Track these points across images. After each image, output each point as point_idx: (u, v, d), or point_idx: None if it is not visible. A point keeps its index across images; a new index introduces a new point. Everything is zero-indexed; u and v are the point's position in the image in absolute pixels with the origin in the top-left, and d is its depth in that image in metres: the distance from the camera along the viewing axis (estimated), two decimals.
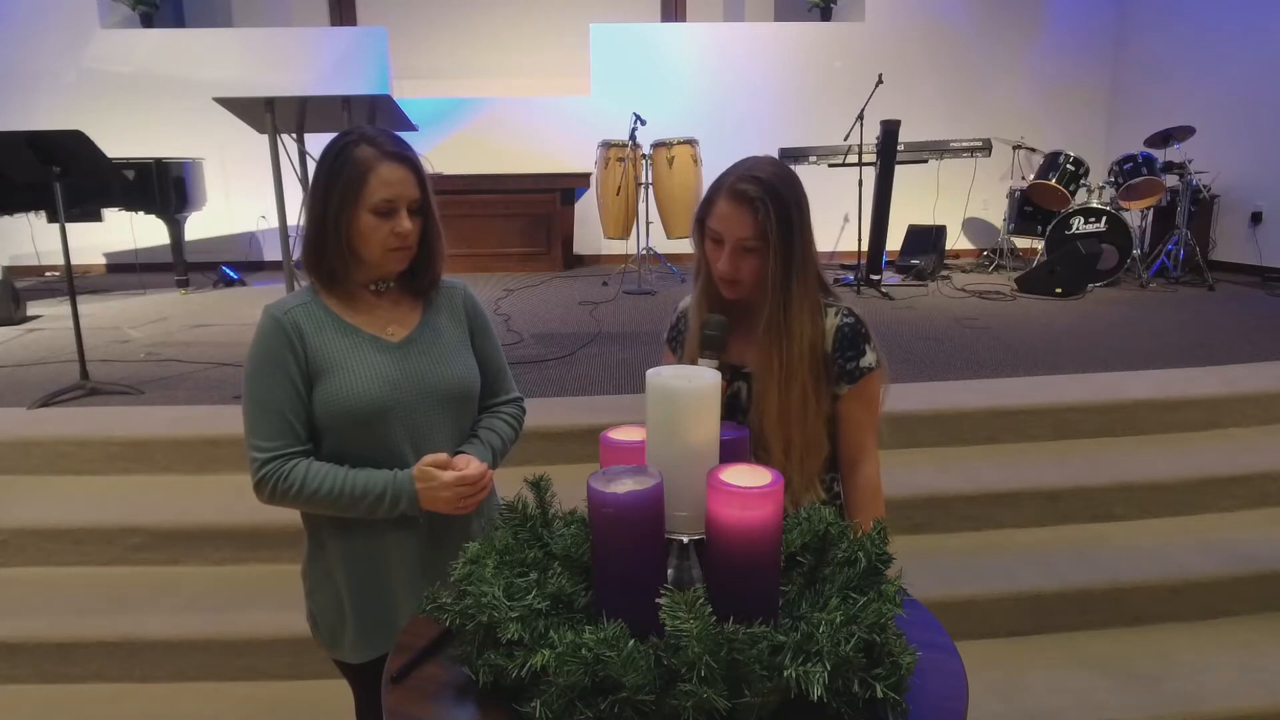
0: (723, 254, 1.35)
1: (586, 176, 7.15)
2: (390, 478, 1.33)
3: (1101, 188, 6.33)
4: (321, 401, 1.32)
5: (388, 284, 1.40)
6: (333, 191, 1.29)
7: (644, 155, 6.40)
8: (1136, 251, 6.23)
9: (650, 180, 6.52)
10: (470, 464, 1.35)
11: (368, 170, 1.29)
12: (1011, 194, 6.91)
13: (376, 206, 1.29)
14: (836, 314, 1.42)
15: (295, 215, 3.17)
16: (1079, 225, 6.11)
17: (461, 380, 1.43)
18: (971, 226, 8.00)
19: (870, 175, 5.98)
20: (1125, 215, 6.14)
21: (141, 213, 6.23)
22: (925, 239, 6.84)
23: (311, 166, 3.16)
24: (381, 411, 1.34)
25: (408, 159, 1.32)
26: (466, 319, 1.49)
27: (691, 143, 6.53)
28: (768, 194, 1.31)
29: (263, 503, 1.34)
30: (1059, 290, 5.77)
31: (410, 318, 1.42)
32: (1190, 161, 6.07)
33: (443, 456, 1.34)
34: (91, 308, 5.78)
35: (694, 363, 1.36)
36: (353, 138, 1.32)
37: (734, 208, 1.33)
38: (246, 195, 7.36)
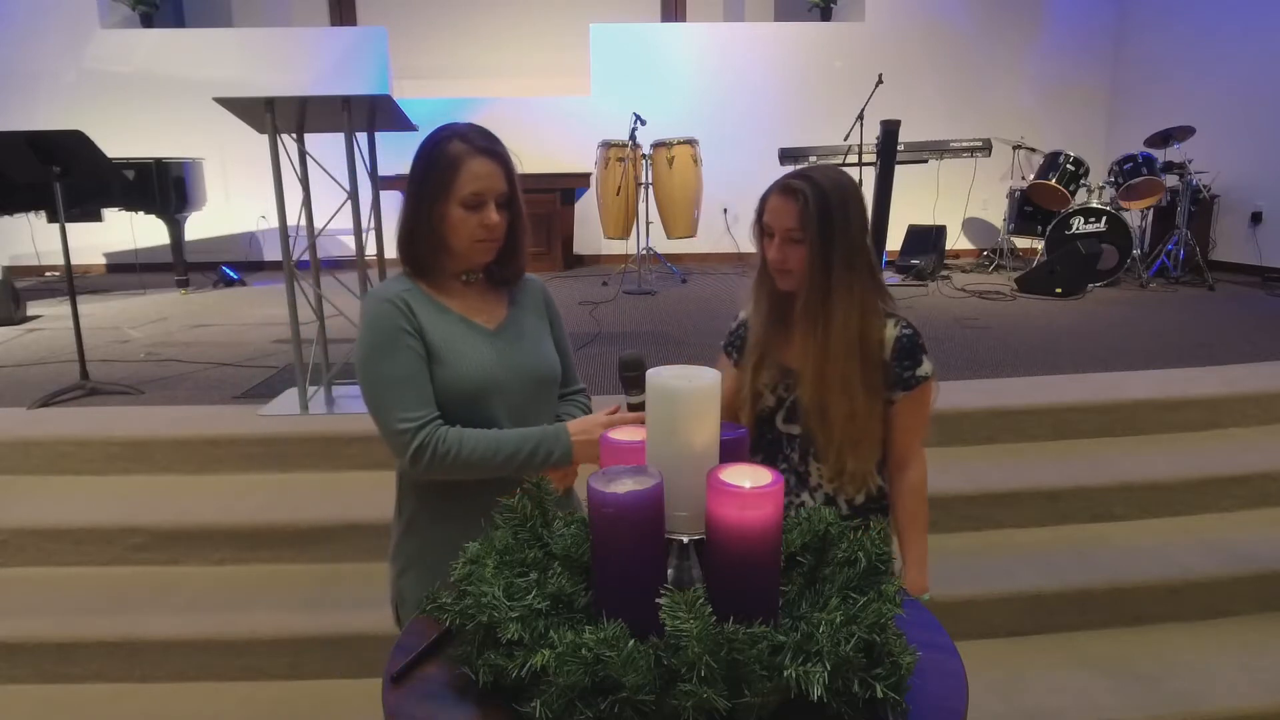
0: (773, 245, 1.47)
1: (586, 176, 7.15)
2: (541, 431, 1.37)
3: (1101, 188, 6.33)
4: (436, 381, 1.36)
5: (476, 275, 1.44)
6: (426, 185, 1.35)
7: (644, 155, 6.40)
8: (1136, 251, 6.23)
9: (650, 180, 6.52)
10: (623, 413, 1.36)
11: (459, 164, 1.33)
12: (1011, 194, 6.92)
13: (465, 199, 1.34)
14: (896, 324, 1.51)
15: (295, 215, 3.17)
16: (1079, 225, 6.11)
17: (551, 367, 1.49)
18: (971, 226, 8.01)
19: (870, 175, 5.98)
20: (1125, 215, 6.14)
21: (141, 213, 6.23)
22: (925, 239, 6.84)
23: (312, 167, 3.17)
24: (488, 392, 1.38)
25: (497, 154, 1.37)
26: (546, 311, 1.55)
27: (691, 143, 6.52)
28: (811, 188, 1.42)
29: (416, 474, 1.35)
30: (1059, 290, 5.77)
31: (498, 308, 1.47)
32: (1190, 161, 6.07)
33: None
34: (91, 308, 5.78)
35: (754, 368, 1.53)
36: (446, 134, 1.37)
37: (781, 201, 1.46)
38: (246, 195, 7.36)
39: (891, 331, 1.50)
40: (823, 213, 1.41)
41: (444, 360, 1.36)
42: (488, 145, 1.36)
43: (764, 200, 1.50)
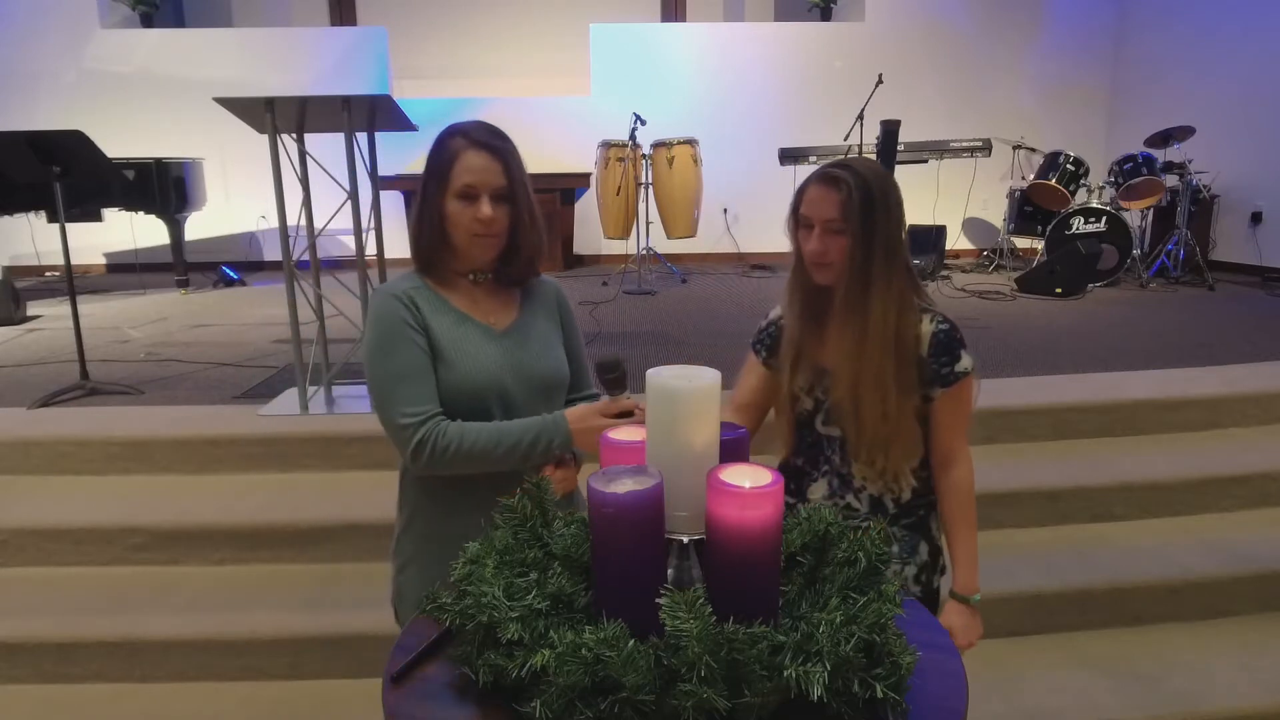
0: (812, 236, 1.43)
1: (586, 176, 7.15)
2: (541, 421, 1.37)
3: (1101, 188, 6.33)
4: (439, 382, 1.36)
5: (485, 275, 1.44)
6: (429, 181, 1.37)
7: (644, 155, 6.40)
8: (1136, 251, 6.23)
9: (650, 180, 6.52)
10: (619, 401, 1.34)
11: (455, 158, 1.34)
12: (1011, 194, 6.91)
13: (459, 192, 1.34)
14: (932, 320, 1.48)
15: (295, 215, 3.16)
16: (1079, 225, 6.11)
17: (558, 372, 1.48)
18: (971, 226, 8.00)
19: None
20: (1125, 215, 6.14)
21: (141, 213, 6.23)
22: (925, 239, 6.83)
23: (312, 167, 3.17)
24: (491, 394, 1.38)
25: (494, 148, 1.36)
26: (559, 314, 1.54)
27: (691, 143, 6.52)
28: (854, 177, 1.40)
29: (418, 470, 1.35)
30: (1059, 290, 5.77)
31: (508, 309, 1.46)
32: (1190, 161, 6.07)
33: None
34: (91, 308, 5.78)
35: (790, 368, 1.51)
36: (451, 130, 1.39)
37: (822, 191, 1.42)
38: (246, 195, 7.36)
39: (928, 327, 1.47)
40: (866, 202, 1.39)
41: (448, 360, 1.36)
42: (486, 140, 1.36)
43: (801, 192, 1.46)
